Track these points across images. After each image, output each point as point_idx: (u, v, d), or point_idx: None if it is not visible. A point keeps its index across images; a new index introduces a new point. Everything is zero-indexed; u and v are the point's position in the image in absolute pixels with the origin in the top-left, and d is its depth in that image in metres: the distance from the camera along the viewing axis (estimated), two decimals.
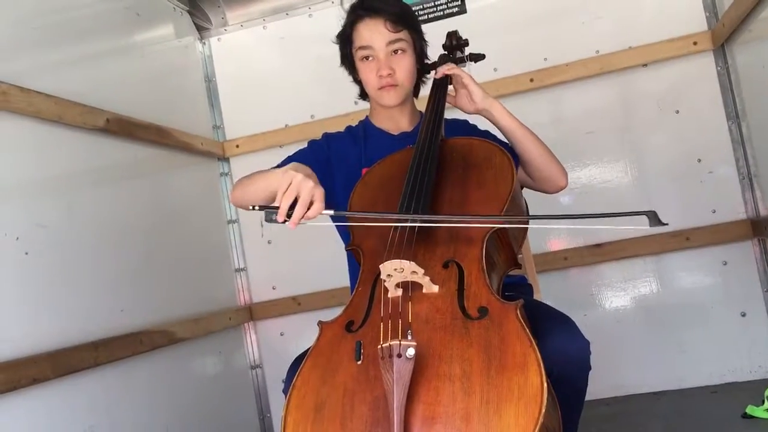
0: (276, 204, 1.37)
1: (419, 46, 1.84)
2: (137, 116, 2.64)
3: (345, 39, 1.85)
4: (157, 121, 2.77)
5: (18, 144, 2.07)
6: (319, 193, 1.38)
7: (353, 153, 1.87)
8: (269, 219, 1.37)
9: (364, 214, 1.51)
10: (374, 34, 1.77)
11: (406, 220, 1.43)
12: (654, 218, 1.25)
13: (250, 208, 1.39)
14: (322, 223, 1.43)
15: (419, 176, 1.53)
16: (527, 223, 1.51)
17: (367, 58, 1.79)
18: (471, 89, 1.76)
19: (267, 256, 3.28)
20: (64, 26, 2.40)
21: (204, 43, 3.37)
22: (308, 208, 1.37)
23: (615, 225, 1.33)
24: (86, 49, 2.51)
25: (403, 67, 1.78)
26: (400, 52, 1.78)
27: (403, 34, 1.78)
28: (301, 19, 3.29)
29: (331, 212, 1.39)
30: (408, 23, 1.80)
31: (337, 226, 1.87)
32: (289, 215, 1.36)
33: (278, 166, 1.70)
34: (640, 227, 1.26)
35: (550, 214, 1.40)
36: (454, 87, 1.83)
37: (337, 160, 1.86)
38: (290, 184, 1.37)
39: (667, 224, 1.24)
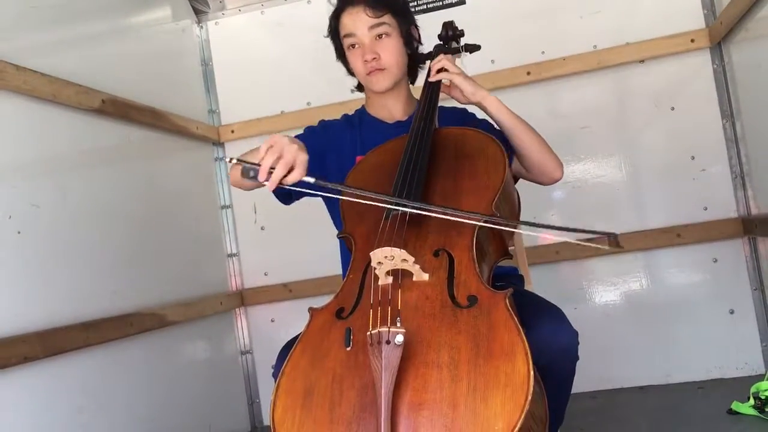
0: (257, 161, 1.34)
1: (405, 28, 1.85)
2: (133, 98, 2.63)
3: (333, 31, 1.88)
4: (152, 103, 2.76)
5: (12, 122, 2.07)
6: (301, 159, 1.35)
7: (348, 140, 1.88)
8: (247, 174, 1.34)
9: (348, 188, 1.44)
10: (356, 21, 1.79)
11: (390, 203, 1.43)
12: (614, 240, 1.29)
13: (228, 160, 1.37)
14: (303, 189, 1.37)
15: (411, 165, 1.54)
16: (516, 226, 1.48)
17: (353, 46, 1.82)
18: (461, 86, 1.75)
19: (260, 242, 3.28)
20: (62, 5, 2.38)
21: (201, 27, 3.35)
22: (289, 172, 1.34)
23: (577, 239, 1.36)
24: (83, 29, 2.49)
25: (389, 50, 1.80)
26: (384, 36, 1.80)
27: (386, 18, 1.80)
28: (299, 5, 3.27)
29: (312, 180, 1.35)
30: (389, 6, 1.81)
31: (331, 211, 1.88)
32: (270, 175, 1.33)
33: None
34: (600, 246, 1.31)
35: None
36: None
37: (331, 146, 1.86)
38: (275, 143, 1.35)
39: (623, 248, 1.31)
